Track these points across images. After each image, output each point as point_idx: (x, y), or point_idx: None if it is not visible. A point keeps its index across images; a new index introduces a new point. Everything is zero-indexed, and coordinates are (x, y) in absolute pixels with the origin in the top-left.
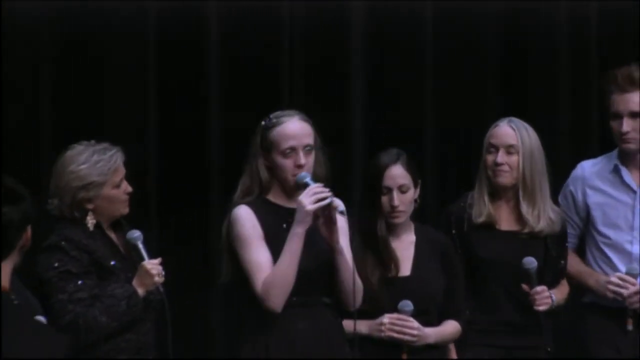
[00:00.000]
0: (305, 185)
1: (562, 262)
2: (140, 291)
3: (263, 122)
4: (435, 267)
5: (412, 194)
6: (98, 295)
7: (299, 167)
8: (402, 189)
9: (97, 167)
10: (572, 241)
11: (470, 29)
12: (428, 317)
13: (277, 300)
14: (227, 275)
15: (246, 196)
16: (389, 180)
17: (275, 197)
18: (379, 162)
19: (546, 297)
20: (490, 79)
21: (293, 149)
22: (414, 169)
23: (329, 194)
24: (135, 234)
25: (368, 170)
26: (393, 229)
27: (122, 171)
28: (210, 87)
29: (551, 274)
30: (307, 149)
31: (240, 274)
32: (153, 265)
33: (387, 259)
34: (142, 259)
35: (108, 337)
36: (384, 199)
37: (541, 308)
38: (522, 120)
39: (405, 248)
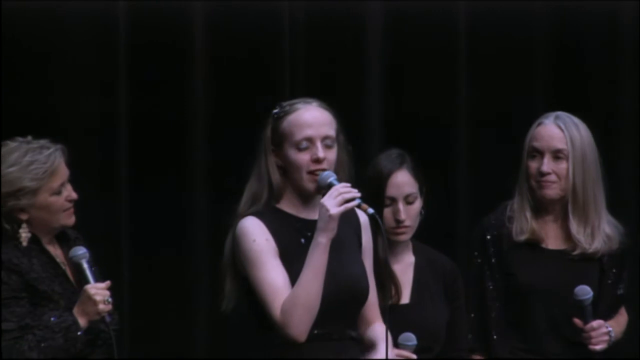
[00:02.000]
0: (329, 186)
1: (621, 287)
2: (82, 321)
3: (274, 111)
4: (437, 295)
5: (419, 204)
6: (29, 326)
7: (317, 161)
8: (409, 200)
9: (30, 169)
10: None
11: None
12: (430, 356)
13: (300, 326)
14: (231, 302)
15: (254, 204)
16: (393, 190)
17: (289, 206)
18: (380, 167)
19: (604, 334)
20: (537, 84)
21: (309, 140)
22: (420, 174)
23: (358, 194)
24: (80, 251)
25: (367, 177)
26: (391, 248)
27: (62, 174)
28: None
29: (607, 303)
30: (327, 142)
31: (251, 300)
32: (97, 290)
33: (388, 283)
34: (87, 282)
35: None
36: (387, 212)
37: (598, 347)
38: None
39: (403, 271)
